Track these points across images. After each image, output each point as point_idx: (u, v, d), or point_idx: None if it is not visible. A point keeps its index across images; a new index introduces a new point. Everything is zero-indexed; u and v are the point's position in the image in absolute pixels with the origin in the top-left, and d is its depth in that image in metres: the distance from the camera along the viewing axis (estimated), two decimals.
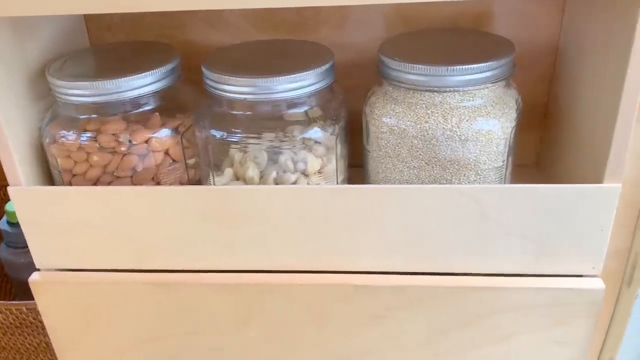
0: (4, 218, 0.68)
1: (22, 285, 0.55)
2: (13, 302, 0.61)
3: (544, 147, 0.53)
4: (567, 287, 0.42)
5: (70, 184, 0.45)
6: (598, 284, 0.42)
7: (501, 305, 0.43)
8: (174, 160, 0.45)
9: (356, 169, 0.49)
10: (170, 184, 0.45)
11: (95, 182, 0.45)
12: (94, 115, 0.44)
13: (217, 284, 0.45)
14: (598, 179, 0.40)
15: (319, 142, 0.44)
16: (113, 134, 0.43)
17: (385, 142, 0.43)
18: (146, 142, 0.43)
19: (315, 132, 0.43)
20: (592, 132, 0.41)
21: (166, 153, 0.44)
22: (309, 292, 0.45)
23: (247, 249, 0.44)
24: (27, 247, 0.68)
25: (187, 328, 0.48)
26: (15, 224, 0.67)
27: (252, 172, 0.44)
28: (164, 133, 0.44)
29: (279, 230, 0.43)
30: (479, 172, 0.42)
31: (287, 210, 0.42)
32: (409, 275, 0.44)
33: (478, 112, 0.41)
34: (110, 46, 0.51)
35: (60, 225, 0.45)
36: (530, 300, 0.42)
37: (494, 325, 0.44)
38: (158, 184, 0.45)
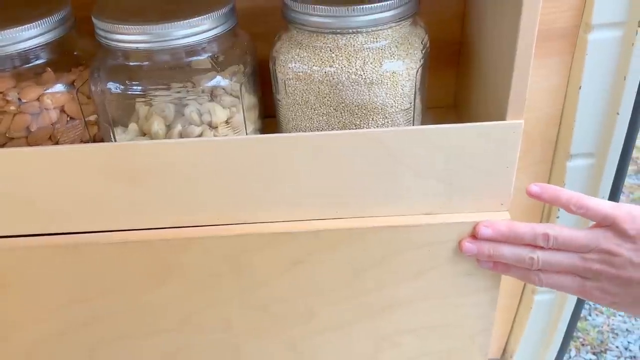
0: None
1: None
2: None
3: (459, 88, 0.53)
4: (475, 221, 0.42)
5: None
6: (505, 217, 0.43)
7: (414, 242, 0.43)
8: (71, 118, 0.43)
9: (272, 119, 0.48)
10: (71, 143, 0.43)
11: None
12: None
13: (129, 241, 0.44)
14: (502, 117, 0.40)
15: (224, 91, 0.42)
16: (0, 92, 0.40)
17: (293, 89, 0.42)
18: (38, 99, 0.41)
19: (218, 81, 0.41)
20: (496, 71, 0.41)
21: (62, 110, 0.42)
22: (225, 244, 0.44)
23: (155, 207, 0.43)
24: None
25: (104, 289, 0.47)
26: None
27: (157, 126, 0.42)
28: (58, 89, 0.41)
29: (186, 185, 0.42)
30: (387, 115, 0.41)
31: (192, 164, 0.41)
32: (324, 220, 0.44)
33: (382, 54, 0.40)
34: None
35: None
36: (442, 236, 0.43)
37: (408, 261, 0.44)
38: (56, 143, 0.43)
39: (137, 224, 0.45)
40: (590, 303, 1.25)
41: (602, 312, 1.26)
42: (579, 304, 0.66)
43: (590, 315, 1.26)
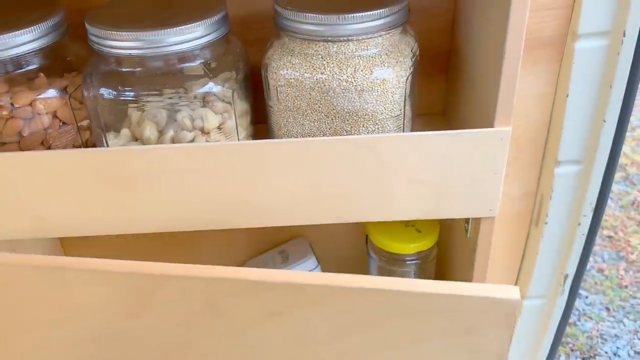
0: None
1: None
2: None
3: (448, 95, 0.54)
4: None
5: None
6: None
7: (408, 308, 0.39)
8: (64, 123, 0.43)
9: (263, 125, 0.48)
10: (63, 148, 0.43)
11: None
12: None
13: (106, 271, 0.42)
14: (490, 124, 0.41)
15: (216, 97, 0.43)
16: None
17: (285, 95, 0.43)
18: (30, 104, 0.41)
19: (210, 87, 0.42)
20: (484, 79, 0.42)
21: (55, 115, 0.42)
22: (203, 286, 0.41)
23: (145, 211, 0.43)
24: None
25: (80, 313, 0.44)
26: None
27: (149, 131, 0.43)
28: (50, 94, 0.42)
29: (178, 190, 0.42)
30: (377, 122, 0.42)
31: (184, 170, 0.41)
32: (306, 275, 0.41)
33: (373, 62, 0.40)
34: None
35: None
36: (440, 305, 0.38)
37: (400, 328, 0.40)
38: (49, 148, 0.43)
39: (127, 229, 0.45)
40: (579, 308, 1.26)
41: (590, 318, 1.27)
42: (568, 309, 0.67)
43: (579, 320, 1.26)
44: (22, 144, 0.42)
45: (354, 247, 0.66)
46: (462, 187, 0.42)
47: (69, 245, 0.66)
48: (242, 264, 0.66)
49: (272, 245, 0.66)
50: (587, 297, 1.31)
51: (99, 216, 0.44)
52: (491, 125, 0.41)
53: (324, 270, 0.61)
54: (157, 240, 0.66)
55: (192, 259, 0.67)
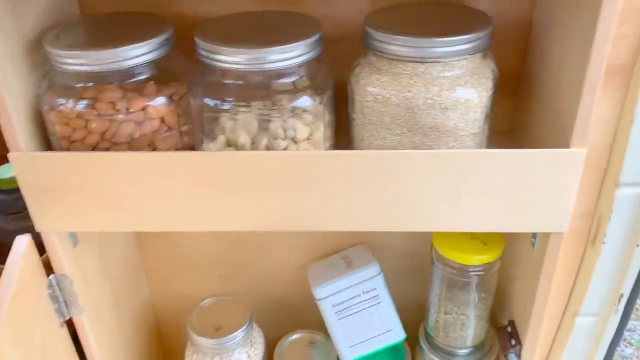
0: None
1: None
2: None
3: (518, 115, 0.57)
4: None
5: (68, 150, 0.47)
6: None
7: None
8: (169, 128, 0.47)
9: (340, 136, 0.51)
10: (167, 150, 0.47)
11: (93, 149, 0.46)
12: (90, 84, 0.45)
13: None
14: (565, 144, 0.43)
15: (307, 111, 0.46)
16: (110, 102, 0.45)
17: (370, 110, 0.46)
18: (143, 109, 0.45)
19: (304, 101, 0.45)
20: (561, 101, 0.45)
21: (162, 120, 0.46)
22: None
23: (238, 212, 0.47)
24: (16, 213, 0.69)
25: None
26: (4, 191, 0.68)
27: (244, 139, 0.47)
28: (160, 101, 0.46)
29: (270, 194, 0.46)
30: (457, 138, 0.45)
31: (278, 175, 0.45)
32: None
33: (457, 82, 0.43)
34: (102, 16, 0.52)
35: (60, 190, 0.47)
36: None
37: None
38: (154, 150, 0.47)
39: (215, 226, 0.49)
40: (625, 332, 1.25)
41: (631, 344, 1.26)
42: (621, 329, 0.68)
43: (619, 346, 1.26)
44: (131, 145, 0.46)
45: (414, 256, 0.69)
46: (535, 203, 0.45)
47: (144, 240, 0.70)
48: (304, 266, 0.70)
49: (334, 250, 0.69)
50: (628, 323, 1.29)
51: (191, 213, 0.48)
52: (566, 146, 0.43)
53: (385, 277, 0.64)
54: (225, 239, 0.70)
55: (256, 258, 0.71)
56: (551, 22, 0.48)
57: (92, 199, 0.47)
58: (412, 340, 0.68)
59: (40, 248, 0.51)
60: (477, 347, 0.63)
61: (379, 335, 0.64)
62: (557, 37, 0.46)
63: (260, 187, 0.46)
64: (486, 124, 0.46)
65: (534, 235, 0.51)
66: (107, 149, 0.46)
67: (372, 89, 0.45)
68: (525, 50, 0.55)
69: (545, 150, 0.42)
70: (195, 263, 0.72)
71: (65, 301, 0.54)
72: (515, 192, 0.44)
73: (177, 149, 0.48)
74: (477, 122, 0.45)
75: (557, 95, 0.46)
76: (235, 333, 0.61)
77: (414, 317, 0.68)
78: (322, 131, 0.47)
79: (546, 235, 0.48)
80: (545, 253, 0.49)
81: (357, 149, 0.49)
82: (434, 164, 0.43)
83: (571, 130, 0.42)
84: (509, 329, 0.59)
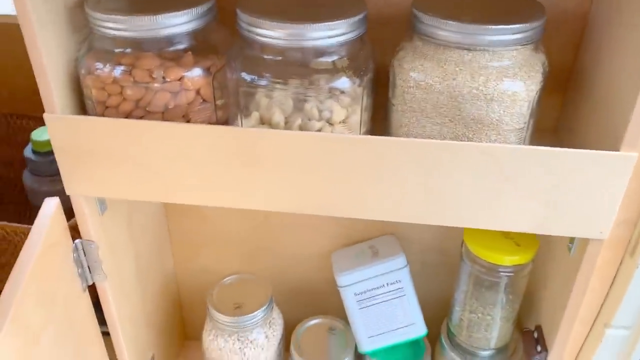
0: (29, 146, 0.70)
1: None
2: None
3: (564, 113, 0.54)
4: None
5: (102, 115, 0.47)
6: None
7: None
8: (204, 100, 0.46)
9: (376, 122, 0.50)
10: (201, 123, 0.47)
11: (127, 116, 0.46)
12: (129, 50, 0.45)
13: None
14: (615, 147, 0.41)
15: (345, 93, 0.45)
16: (147, 70, 0.44)
17: (411, 96, 0.44)
18: (179, 80, 0.44)
19: (343, 83, 0.44)
20: (614, 101, 0.42)
21: (197, 92, 0.46)
22: None
23: (265, 190, 0.46)
24: (50, 176, 0.70)
25: None
26: (40, 153, 0.69)
27: (278, 117, 0.46)
28: (197, 72, 0.45)
29: (300, 176, 0.45)
30: (501, 132, 0.43)
31: (310, 157, 0.44)
32: None
33: (505, 73, 0.41)
34: None
35: (92, 155, 0.46)
36: None
37: None
38: (188, 122, 0.46)
39: (242, 204, 0.48)
40: None
41: None
42: None
43: None
44: (165, 115, 0.46)
45: (442, 252, 0.67)
46: (576, 206, 0.43)
47: (172, 213, 0.70)
48: (328, 253, 0.69)
49: (359, 239, 0.68)
50: None
51: (221, 189, 0.47)
52: (615, 148, 0.41)
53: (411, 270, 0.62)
54: (252, 218, 0.69)
55: (281, 240, 0.71)
56: (611, 19, 0.45)
57: (122, 166, 0.47)
58: (433, 337, 0.66)
59: (70, 213, 0.51)
60: (500, 350, 0.61)
61: (400, 328, 0.63)
62: (617, 34, 0.44)
63: (291, 167, 0.45)
64: (531, 120, 0.44)
65: (572, 239, 0.49)
66: (141, 118, 0.46)
67: (416, 74, 0.43)
68: (578, 45, 0.52)
69: (594, 151, 0.40)
70: (221, 240, 0.72)
71: (89, 266, 0.54)
72: (557, 193, 0.42)
73: (210, 123, 0.47)
74: (522, 117, 0.43)
75: (611, 95, 0.43)
76: (255, 312, 0.61)
77: (437, 314, 0.67)
78: (358, 115, 0.46)
79: (585, 241, 0.46)
80: (582, 259, 0.47)
81: (394, 136, 0.48)
82: (476, 158, 0.42)
83: (623, 133, 0.40)
84: (536, 334, 0.57)
